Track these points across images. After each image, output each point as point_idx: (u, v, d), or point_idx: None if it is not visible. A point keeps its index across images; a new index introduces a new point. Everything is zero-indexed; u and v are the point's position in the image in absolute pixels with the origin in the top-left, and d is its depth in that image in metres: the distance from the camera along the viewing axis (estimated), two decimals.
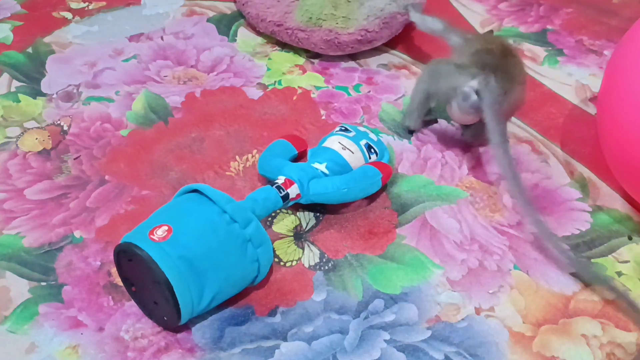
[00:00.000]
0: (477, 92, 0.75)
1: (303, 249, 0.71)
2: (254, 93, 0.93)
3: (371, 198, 0.76)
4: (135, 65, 0.97)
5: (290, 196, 0.70)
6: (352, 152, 0.76)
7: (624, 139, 0.69)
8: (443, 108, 0.83)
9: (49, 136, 0.86)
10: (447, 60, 0.82)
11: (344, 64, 0.98)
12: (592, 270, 0.68)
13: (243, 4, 1.04)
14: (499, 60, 0.77)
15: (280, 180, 0.71)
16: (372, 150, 0.77)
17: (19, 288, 0.67)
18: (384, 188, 0.77)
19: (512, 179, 0.71)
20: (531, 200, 0.69)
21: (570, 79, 0.96)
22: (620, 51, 0.73)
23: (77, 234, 0.73)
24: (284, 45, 1.01)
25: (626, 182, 0.74)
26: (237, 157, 0.83)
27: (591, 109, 0.91)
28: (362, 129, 0.80)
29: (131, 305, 0.65)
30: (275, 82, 0.95)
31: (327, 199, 0.72)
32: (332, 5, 0.95)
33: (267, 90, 0.93)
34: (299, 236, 0.73)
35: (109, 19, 1.08)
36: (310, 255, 0.71)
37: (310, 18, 0.95)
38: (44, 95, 0.92)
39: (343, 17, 0.95)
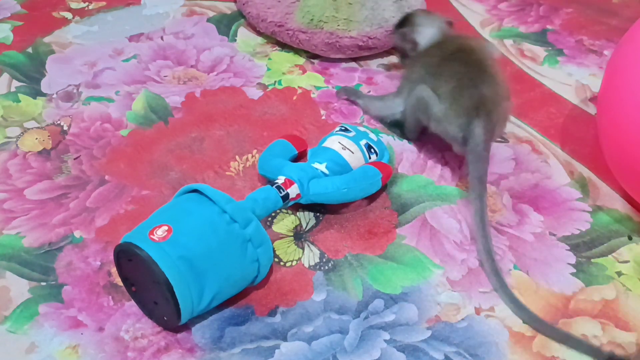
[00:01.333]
0: (465, 137, 0.74)
1: (303, 249, 0.71)
2: (254, 93, 0.93)
3: (371, 198, 0.76)
4: (135, 65, 0.97)
5: (290, 196, 0.70)
6: (352, 152, 0.76)
7: (624, 139, 0.69)
8: None
9: (49, 136, 0.86)
10: (431, 86, 0.77)
11: (344, 64, 0.98)
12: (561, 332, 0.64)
13: (243, 4, 1.04)
14: (487, 91, 0.74)
15: (280, 180, 0.71)
16: (372, 150, 0.77)
17: (19, 288, 0.67)
18: (384, 188, 0.77)
19: (482, 237, 0.68)
20: (498, 269, 0.67)
21: (570, 79, 0.96)
22: (620, 51, 0.73)
23: (77, 234, 0.73)
24: (284, 46, 1.01)
25: (626, 182, 0.74)
26: (237, 157, 0.83)
27: (591, 109, 0.91)
28: (362, 129, 0.80)
29: (131, 305, 0.65)
30: (275, 82, 0.95)
31: (327, 199, 0.72)
32: (333, 8, 0.95)
33: (267, 90, 0.93)
34: (299, 236, 0.73)
35: (109, 19, 1.08)
36: (310, 255, 0.71)
37: (312, 20, 0.95)
38: (44, 95, 0.92)
39: (344, 19, 0.95)
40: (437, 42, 0.82)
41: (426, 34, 0.84)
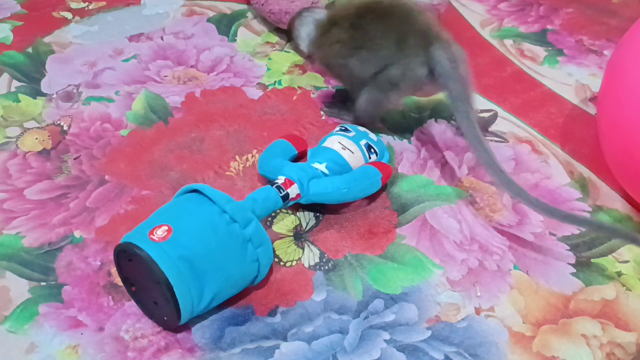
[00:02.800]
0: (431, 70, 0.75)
1: (303, 249, 0.71)
2: (254, 93, 0.93)
3: (371, 198, 0.76)
4: (135, 65, 0.97)
5: (290, 196, 0.70)
6: (352, 152, 0.76)
7: (624, 139, 0.69)
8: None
9: (49, 136, 0.86)
10: (366, 55, 0.77)
11: None
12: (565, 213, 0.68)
13: (262, 4, 1.02)
14: (423, 26, 0.75)
15: (280, 180, 0.71)
16: (372, 150, 0.77)
17: (19, 288, 0.67)
18: (384, 188, 0.77)
19: (482, 151, 0.71)
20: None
21: (570, 79, 0.96)
22: (620, 51, 0.73)
23: (77, 234, 0.73)
24: (284, 46, 1.01)
25: (626, 182, 0.74)
26: (237, 157, 0.83)
27: (591, 109, 0.91)
28: (362, 129, 0.80)
29: (131, 305, 0.65)
30: (275, 82, 0.95)
31: (327, 199, 0.72)
32: None
33: (267, 90, 0.93)
34: (299, 236, 0.73)
35: (109, 19, 1.08)
36: (310, 255, 0.71)
37: None
38: (44, 95, 0.92)
39: None
40: (328, 18, 0.81)
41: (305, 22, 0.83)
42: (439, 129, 0.87)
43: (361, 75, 0.79)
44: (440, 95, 0.92)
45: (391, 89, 0.78)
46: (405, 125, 0.87)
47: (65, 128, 0.87)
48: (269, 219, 0.74)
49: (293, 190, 0.70)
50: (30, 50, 1.01)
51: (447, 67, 0.74)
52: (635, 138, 0.67)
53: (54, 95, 0.92)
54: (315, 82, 0.95)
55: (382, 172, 0.74)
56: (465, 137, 0.73)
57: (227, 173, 0.80)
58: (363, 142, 0.77)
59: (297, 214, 0.75)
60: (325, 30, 0.81)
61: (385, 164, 0.77)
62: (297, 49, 0.85)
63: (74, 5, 1.12)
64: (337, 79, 0.85)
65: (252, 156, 0.83)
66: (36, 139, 0.85)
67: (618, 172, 0.74)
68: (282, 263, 0.70)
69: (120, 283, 0.65)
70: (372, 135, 0.79)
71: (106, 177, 0.80)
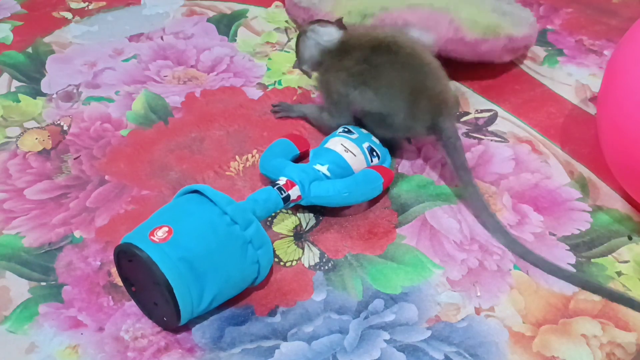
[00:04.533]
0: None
1: (303, 249, 0.71)
2: (254, 93, 0.93)
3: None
4: (135, 65, 0.97)
5: (291, 198, 0.70)
6: (355, 155, 0.76)
7: (624, 139, 0.69)
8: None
9: (49, 136, 0.86)
10: (368, 94, 0.76)
11: None
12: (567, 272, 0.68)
13: (303, 7, 0.99)
14: (433, 83, 0.75)
15: (282, 181, 0.71)
16: (375, 153, 0.77)
17: (19, 288, 0.67)
18: (384, 190, 0.77)
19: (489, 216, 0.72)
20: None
21: (570, 79, 0.96)
22: (620, 51, 0.73)
23: (77, 234, 0.73)
24: (284, 46, 1.01)
25: (626, 182, 0.74)
26: (237, 157, 0.83)
27: (591, 109, 0.91)
28: (365, 131, 0.79)
29: (131, 305, 0.65)
30: (275, 82, 0.95)
31: (327, 202, 0.72)
32: None
33: (267, 90, 0.93)
34: (299, 236, 0.73)
35: (109, 19, 1.08)
36: (310, 255, 0.71)
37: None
38: (44, 95, 0.92)
39: None
40: (340, 44, 0.79)
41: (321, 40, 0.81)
42: None
43: (358, 109, 0.78)
44: None
45: (385, 129, 0.78)
46: None
47: (65, 128, 0.87)
48: (269, 219, 0.74)
49: (294, 192, 0.70)
50: (30, 50, 1.01)
51: (453, 139, 0.75)
52: (635, 138, 0.67)
53: (54, 95, 0.92)
54: (315, 82, 0.95)
55: (383, 177, 0.74)
56: (469, 203, 0.75)
57: (227, 173, 0.80)
58: (366, 144, 0.77)
59: (297, 214, 0.75)
60: (335, 55, 0.79)
61: (387, 168, 0.77)
62: (298, 66, 0.84)
63: (74, 5, 1.12)
64: (325, 100, 0.82)
65: (252, 156, 0.83)
66: (36, 139, 0.85)
67: (618, 172, 0.74)
68: (282, 263, 0.70)
69: (120, 283, 0.65)
70: (375, 138, 0.79)
71: (106, 177, 0.80)
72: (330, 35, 0.80)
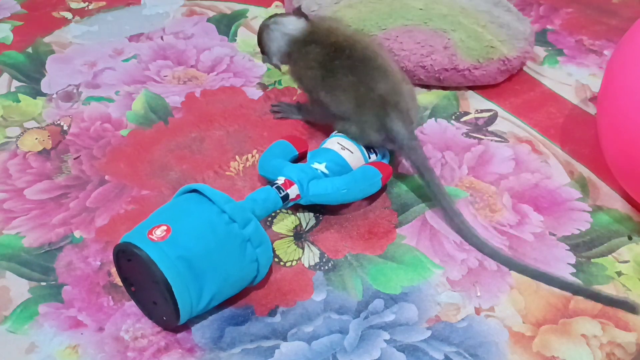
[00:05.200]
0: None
1: (303, 249, 0.71)
2: (254, 93, 0.93)
3: (371, 198, 0.76)
4: (135, 65, 0.97)
5: (290, 197, 0.70)
6: (352, 152, 0.76)
7: (624, 139, 0.69)
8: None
9: (49, 136, 0.86)
10: (329, 96, 0.76)
11: None
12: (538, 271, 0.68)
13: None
14: (383, 86, 0.74)
15: (280, 180, 0.71)
16: (372, 150, 0.77)
17: (19, 288, 0.67)
18: (384, 188, 0.77)
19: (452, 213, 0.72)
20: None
21: (570, 79, 0.96)
22: (620, 51, 0.73)
23: (77, 234, 0.73)
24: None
25: (626, 182, 0.74)
26: (237, 157, 0.83)
27: (591, 109, 0.91)
28: None
29: (131, 305, 0.65)
30: (275, 82, 0.95)
31: (326, 200, 0.72)
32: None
33: (267, 90, 0.93)
34: (299, 236, 0.73)
35: (109, 19, 1.08)
36: (310, 255, 0.71)
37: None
38: (44, 95, 0.92)
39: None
40: (307, 35, 0.79)
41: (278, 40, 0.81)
42: (438, 128, 0.87)
43: (325, 107, 0.78)
44: (439, 95, 0.93)
45: (350, 135, 0.77)
46: None
47: (65, 128, 0.87)
48: (269, 219, 0.74)
49: (293, 191, 0.70)
50: (30, 50, 1.01)
51: (406, 140, 0.74)
52: (635, 138, 0.67)
53: (54, 95, 0.92)
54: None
55: (382, 173, 0.74)
56: (436, 201, 0.74)
57: (227, 173, 0.80)
58: None
59: (297, 214, 0.75)
60: (301, 47, 0.79)
61: (385, 164, 0.77)
62: (268, 61, 0.84)
63: (74, 5, 1.12)
64: (305, 91, 0.83)
65: (252, 156, 0.83)
66: (36, 139, 0.85)
67: (618, 172, 0.74)
68: (282, 263, 0.70)
69: (120, 283, 0.65)
70: None
71: (106, 177, 0.80)
72: (294, 24, 0.80)
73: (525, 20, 0.98)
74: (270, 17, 0.83)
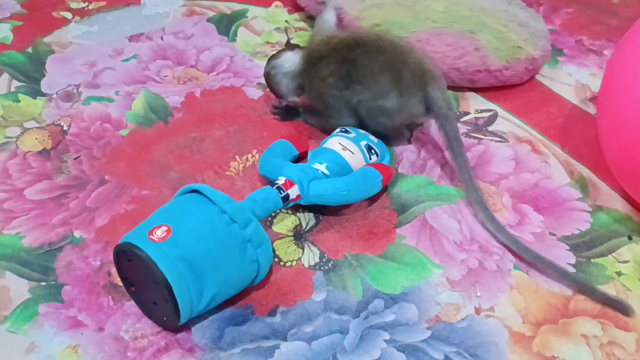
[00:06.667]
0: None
1: (303, 249, 0.71)
2: (254, 93, 0.93)
3: (371, 198, 0.76)
4: (135, 65, 0.97)
5: (291, 197, 0.70)
6: (353, 153, 0.76)
7: (624, 139, 0.69)
8: None
9: (48, 136, 0.86)
10: (356, 87, 0.77)
11: None
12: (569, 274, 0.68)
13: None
14: (414, 59, 0.77)
15: (281, 181, 0.71)
16: (373, 151, 0.77)
17: (19, 288, 0.67)
18: (384, 188, 0.77)
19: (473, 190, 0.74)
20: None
21: (570, 79, 0.96)
22: (620, 51, 0.73)
23: (77, 234, 0.73)
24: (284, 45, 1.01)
25: (626, 182, 0.74)
26: (237, 157, 0.83)
27: (591, 109, 0.91)
28: (362, 131, 0.80)
29: (131, 305, 0.65)
30: None
31: (327, 201, 0.72)
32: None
33: (267, 90, 0.93)
34: (299, 236, 0.73)
35: (109, 19, 1.08)
36: (310, 255, 0.71)
37: None
38: (44, 95, 0.92)
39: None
40: (308, 58, 0.81)
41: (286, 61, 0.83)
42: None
43: (355, 105, 0.79)
44: None
45: (382, 118, 0.78)
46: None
47: (65, 128, 0.87)
48: (269, 219, 0.74)
49: (293, 191, 0.70)
50: (30, 50, 1.01)
51: (444, 109, 0.76)
52: (635, 138, 0.67)
53: (54, 95, 0.92)
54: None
55: (382, 174, 0.74)
56: (458, 171, 0.76)
57: (227, 173, 0.80)
58: (363, 143, 0.77)
59: (297, 214, 0.75)
60: (311, 69, 0.80)
61: (386, 165, 0.77)
62: (285, 101, 0.86)
63: (73, 5, 1.12)
64: (325, 108, 0.82)
65: (252, 156, 0.83)
66: (36, 139, 0.85)
67: (618, 172, 0.74)
68: (282, 263, 0.70)
69: (120, 283, 0.65)
70: (373, 137, 0.79)
71: (106, 177, 0.80)
72: (290, 60, 0.83)
73: (539, 17, 0.98)
74: (268, 61, 0.85)
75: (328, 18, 0.85)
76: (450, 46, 0.89)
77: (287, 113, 0.88)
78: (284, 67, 0.83)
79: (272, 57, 0.85)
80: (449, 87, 0.89)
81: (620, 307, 0.65)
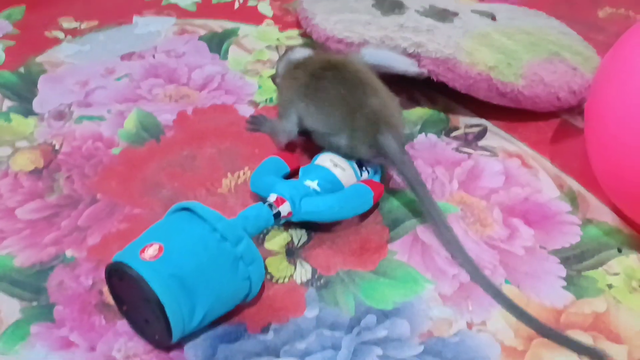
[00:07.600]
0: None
1: (295, 265, 0.72)
2: (246, 110, 0.93)
3: (363, 214, 0.76)
4: (127, 84, 0.98)
5: (282, 214, 0.70)
6: (344, 169, 0.76)
7: (610, 155, 0.70)
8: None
9: (40, 155, 0.86)
10: (312, 109, 0.77)
11: None
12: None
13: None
14: (374, 101, 0.75)
15: (272, 198, 0.71)
16: (364, 167, 0.78)
17: (10, 308, 0.67)
18: (375, 204, 0.77)
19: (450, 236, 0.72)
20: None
21: None
22: (605, 67, 0.74)
23: (68, 253, 0.73)
24: (275, 63, 1.01)
25: (614, 195, 0.75)
26: (228, 174, 0.83)
27: (579, 123, 0.91)
28: None
29: (123, 324, 0.65)
30: (266, 99, 0.95)
31: (318, 217, 0.72)
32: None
33: (259, 107, 0.94)
34: (291, 253, 0.73)
35: (101, 38, 1.09)
36: (302, 272, 0.71)
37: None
38: (35, 114, 0.93)
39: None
40: (298, 63, 0.83)
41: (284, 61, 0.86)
42: (429, 143, 0.88)
43: (309, 125, 0.79)
44: (429, 110, 0.93)
45: (333, 149, 0.77)
46: None
47: (56, 147, 0.87)
48: (261, 236, 0.74)
49: (285, 208, 0.70)
50: (22, 69, 1.01)
51: (398, 155, 0.74)
52: (621, 154, 0.68)
53: (46, 115, 0.92)
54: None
55: (374, 191, 0.74)
56: (428, 216, 0.74)
57: (218, 190, 0.81)
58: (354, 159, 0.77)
59: (289, 230, 0.75)
60: (292, 68, 0.82)
61: (377, 182, 0.77)
62: (274, 79, 0.90)
63: (66, 25, 1.12)
64: (278, 105, 0.84)
65: (244, 173, 0.83)
66: (27, 158, 0.85)
67: (606, 186, 0.75)
68: (274, 280, 0.70)
69: (112, 302, 0.65)
70: None
71: (98, 195, 0.80)
72: (301, 53, 0.85)
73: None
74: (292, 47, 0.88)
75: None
76: (559, 74, 0.89)
77: (257, 124, 0.88)
78: (293, 55, 0.85)
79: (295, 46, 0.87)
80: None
81: (595, 356, 0.63)
